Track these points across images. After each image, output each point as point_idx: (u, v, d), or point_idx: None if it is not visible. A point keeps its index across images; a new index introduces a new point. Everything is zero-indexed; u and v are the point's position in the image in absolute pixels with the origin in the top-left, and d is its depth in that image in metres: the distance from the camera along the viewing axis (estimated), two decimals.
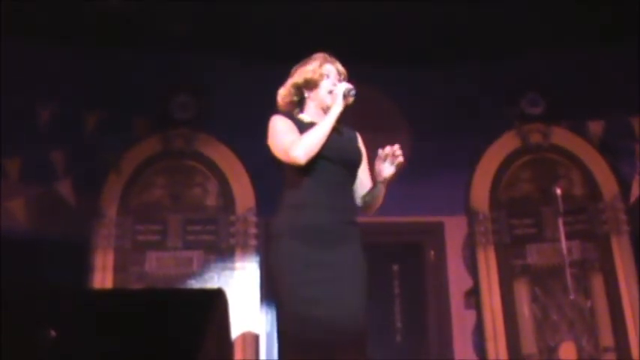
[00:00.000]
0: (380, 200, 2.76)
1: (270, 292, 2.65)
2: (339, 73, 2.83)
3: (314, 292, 2.47)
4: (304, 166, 2.61)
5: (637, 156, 5.56)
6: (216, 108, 5.75)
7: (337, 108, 2.69)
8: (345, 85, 2.73)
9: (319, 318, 2.44)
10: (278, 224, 2.62)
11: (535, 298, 5.50)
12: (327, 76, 2.79)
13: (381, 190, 2.74)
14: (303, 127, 2.70)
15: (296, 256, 2.54)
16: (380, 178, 2.70)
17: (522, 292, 5.54)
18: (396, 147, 2.69)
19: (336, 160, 2.65)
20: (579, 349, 5.10)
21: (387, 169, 2.68)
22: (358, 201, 2.78)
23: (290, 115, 2.76)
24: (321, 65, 2.82)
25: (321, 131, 2.64)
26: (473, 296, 5.58)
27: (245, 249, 5.45)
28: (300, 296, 2.49)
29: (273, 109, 2.79)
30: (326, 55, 2.86)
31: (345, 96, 2.70)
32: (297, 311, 2.48)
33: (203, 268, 5.39)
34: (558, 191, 4.45)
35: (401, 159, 2.68)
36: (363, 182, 2.80)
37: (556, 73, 5.75)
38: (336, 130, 2.74)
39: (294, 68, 2.86)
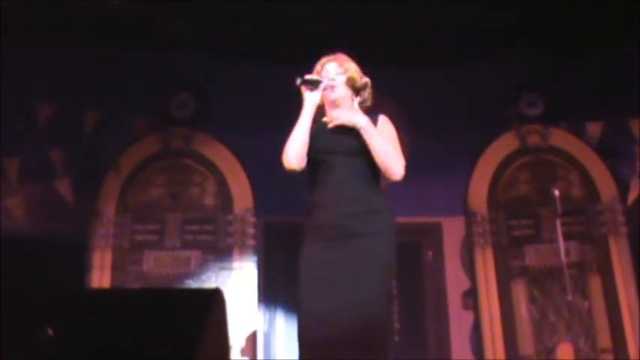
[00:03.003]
0: (379, 151, 2.65)
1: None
2: (334, 68, 2.83)
3: (317, 291, 2.50)
4: (310, 168, 2.68)
5: (635, 158, 5.56)
6: (215, 108, 5.74)
7: (305, 104, 2.71)
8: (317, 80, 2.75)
9: (320, 316, 2.46)
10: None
11: (533, 299, 5.49)
12: (326, 74, 2.81)
13: (368, 139, 2.66)
14: (316, 127, 2.74)
15: (305, 256, 2.61)
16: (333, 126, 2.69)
17: (520, 293, 5.53)
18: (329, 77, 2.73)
19: (334, 151, 2.68)
20: (577, 350, 5.10)
21: (341, 115, 2.70)
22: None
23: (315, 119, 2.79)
24: (322, 65, 2.85)
25: (296, 131, 2.68)
26: (471, 297, 5.58)
27: (243, 249, 5.44)
28: (305, 295, 2.53)
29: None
30: (333, 55, 2.88)
31: (310, 87, 2.72)
32: (302, 310, 2.53)
33: (201, 267, 5.39)
34: (556, 192, 4.45)
35: (333, 82, 2.72)
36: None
37: (555, 75, 5.75)
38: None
39: None
